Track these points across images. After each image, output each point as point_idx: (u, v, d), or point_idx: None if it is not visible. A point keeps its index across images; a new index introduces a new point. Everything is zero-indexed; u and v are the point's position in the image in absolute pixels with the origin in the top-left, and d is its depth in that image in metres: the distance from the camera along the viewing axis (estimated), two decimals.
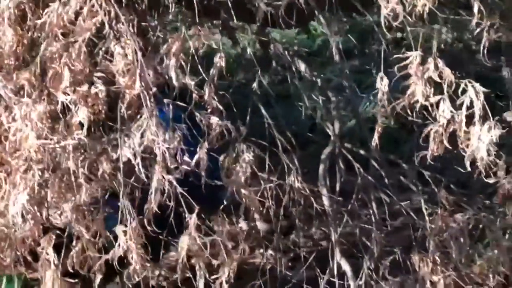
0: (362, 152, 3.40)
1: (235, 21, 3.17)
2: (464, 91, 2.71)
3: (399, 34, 4.46)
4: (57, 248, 2.63)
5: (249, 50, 3.21)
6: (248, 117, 3.04)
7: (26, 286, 3.41)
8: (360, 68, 5.70)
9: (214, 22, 3.28)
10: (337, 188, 3.33)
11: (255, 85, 2.94)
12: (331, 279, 3.35)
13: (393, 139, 5.19)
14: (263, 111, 3.21)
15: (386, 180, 3.36)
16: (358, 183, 3.33)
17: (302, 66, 3.45)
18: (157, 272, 4.27)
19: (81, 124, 2.49)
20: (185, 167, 2.48)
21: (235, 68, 4.23)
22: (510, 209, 3.03)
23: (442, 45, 3.29)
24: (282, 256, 3.67)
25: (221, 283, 2.65)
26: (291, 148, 3.19)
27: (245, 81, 4.13)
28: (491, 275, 3.58)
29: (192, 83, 2.58)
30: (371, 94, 5.40)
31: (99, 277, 2.56)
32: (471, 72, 3.14)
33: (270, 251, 3.82)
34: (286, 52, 3.39)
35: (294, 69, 3.40)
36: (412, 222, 3.32)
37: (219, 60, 2.80)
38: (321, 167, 3.33)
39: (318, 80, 3.37)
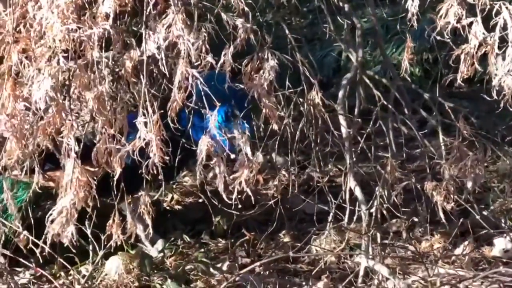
0: (384, 80, 3.39)
1: None
2: (498, 13, 2.68)
3: None
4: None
5: None
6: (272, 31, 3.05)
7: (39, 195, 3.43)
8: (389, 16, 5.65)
9: None
10: (355, 113, 3.33)
11: None
12: (343, 205, 3.37)
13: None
14: (286, 30, 3.21)
15: (405, 110, 3.36)
16: (377, 111, 3.33)
17: None
18: (170, 196, 4.31)
19: (107, 16, 2.50)
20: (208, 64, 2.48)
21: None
22: None
23: None
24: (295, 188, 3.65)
25: (240, 182, 2.66)
26: (311, 68, 3.19)
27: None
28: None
29: None
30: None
31: (118, 170, 2.58)
32: None
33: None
34: None
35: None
36: (428, 152, 3.32)
37: None
38: (341, 92, 3.33)
39: (346, 5, 3.34)
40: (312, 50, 5.14)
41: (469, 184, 3.03)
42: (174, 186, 4.35)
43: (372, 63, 5.48)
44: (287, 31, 3.21)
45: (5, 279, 2.81)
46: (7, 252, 2.67)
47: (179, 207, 4.30)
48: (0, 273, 2.82)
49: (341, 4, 3.40)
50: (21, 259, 2.94)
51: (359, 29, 3.40)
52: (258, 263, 3.30)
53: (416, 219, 3.49)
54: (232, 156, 2.65)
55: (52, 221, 2.53)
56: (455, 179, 3.06)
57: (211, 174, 4.20)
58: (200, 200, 4.28)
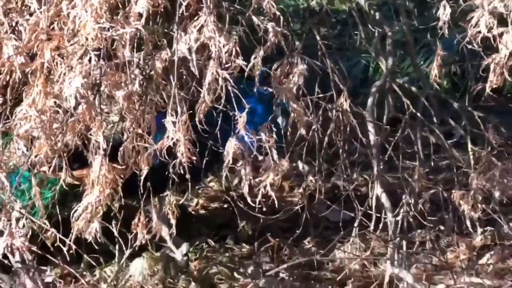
0: (413, 88, 3.38)
1: None
2: None
3: None
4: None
5: None
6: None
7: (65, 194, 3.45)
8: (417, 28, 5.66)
9: None
10: (384, 120, 3.32)
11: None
12: (369, 212, 3.35)
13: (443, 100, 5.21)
14: (317, 36, 3.21)
15: (434, 119, 3.34)
16: (405, 119, 3.32)
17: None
18: (195, 201, 4.32)
19: (140, 16, 2.52)
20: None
21: None
22: None
23: None
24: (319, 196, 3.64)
25: (265, 186, 2.66)
26: (341, 76, 3.19)
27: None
28: None
29: None
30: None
31: (145, 170, 2.60)
32: None
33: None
34: None
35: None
36: (455, 161, 3.30)
37: None
38: (370, 99, 3.32)
39: (377, 14, 3.34)
40: (340, 59, 5.13)
41: (497, 194, 3.01)
42: (199, 191, 4.36)
43: (399, 74, 5.46)
44: (318, 37, 3.21)
45: (32, 276, 2.83)
46: (34, 248, 2.69)
47: (204, 212, 4.31)
48: (27, 269, 2.84)
49: (372, 12, 3.40)
50: (48, 256, 2.96)
51: (390, 38, 3.40)
52: (282, 266, 3.30)
53: (442, 228, 3.48)
54: (260, 157, 2.65)
55: (78, 218, 2.55)
56: (482, 189, 3.04)
57: (236, 180, 4.21)
58: (225, 206, 4.30)
